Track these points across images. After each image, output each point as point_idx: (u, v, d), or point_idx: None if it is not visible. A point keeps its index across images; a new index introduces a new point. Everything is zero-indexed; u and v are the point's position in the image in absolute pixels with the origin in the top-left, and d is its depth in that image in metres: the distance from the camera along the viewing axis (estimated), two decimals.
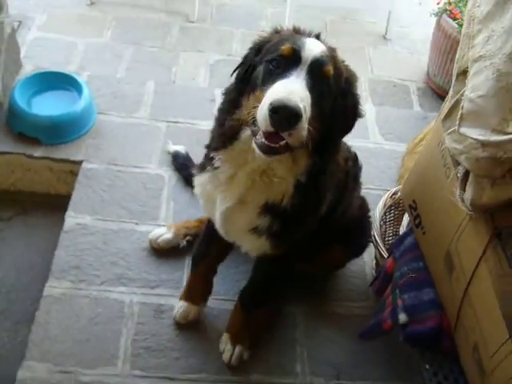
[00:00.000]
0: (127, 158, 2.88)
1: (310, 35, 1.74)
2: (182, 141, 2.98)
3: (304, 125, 1.51)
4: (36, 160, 2.84)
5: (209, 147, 1.90)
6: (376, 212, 2.46)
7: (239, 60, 1.80)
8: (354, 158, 2.27)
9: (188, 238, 2.55)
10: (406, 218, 2.35)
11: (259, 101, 1.55)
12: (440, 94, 3.76)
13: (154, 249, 2.51)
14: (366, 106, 3.48)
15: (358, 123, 1.80)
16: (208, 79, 3.62)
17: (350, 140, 3.13)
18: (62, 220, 2.62)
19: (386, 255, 2.23)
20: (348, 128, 1.79)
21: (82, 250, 2.46)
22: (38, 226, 2.86)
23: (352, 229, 2.34)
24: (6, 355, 2.35)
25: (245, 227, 1.89)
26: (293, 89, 1.51)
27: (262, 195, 1.80)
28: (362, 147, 3.13)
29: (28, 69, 3.23)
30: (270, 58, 1.63)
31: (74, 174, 2.82)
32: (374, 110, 3.48)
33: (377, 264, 2.41)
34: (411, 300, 1.90)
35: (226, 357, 2.21)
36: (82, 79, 3.09)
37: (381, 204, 2.49)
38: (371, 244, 2.46)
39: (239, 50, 3.78)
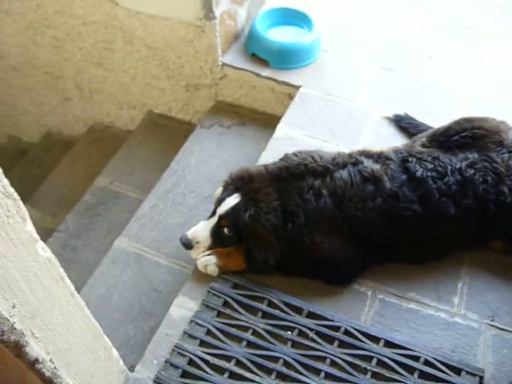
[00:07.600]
0: (341, 92, 3.15)
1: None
2: (395, 89, 3.18)
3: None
4: (262, 79, 3.23)
5: None
6: None
7: None
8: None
9: None
10: None
11: None
12: None
13: None
14: None
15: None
16: None
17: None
18: (272, 135, 2.97)
19: None
20: None
21: None
22: (251, 136, 3.28)
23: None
24: None
25: None
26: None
27: None
28: None
29: (269, 4, 3.62)
30: None
31: (291, 98, 3.16)
32: None
33: None
34: None
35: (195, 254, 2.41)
36: (313, 17, 3.41)
37: None
38: None
39: None
